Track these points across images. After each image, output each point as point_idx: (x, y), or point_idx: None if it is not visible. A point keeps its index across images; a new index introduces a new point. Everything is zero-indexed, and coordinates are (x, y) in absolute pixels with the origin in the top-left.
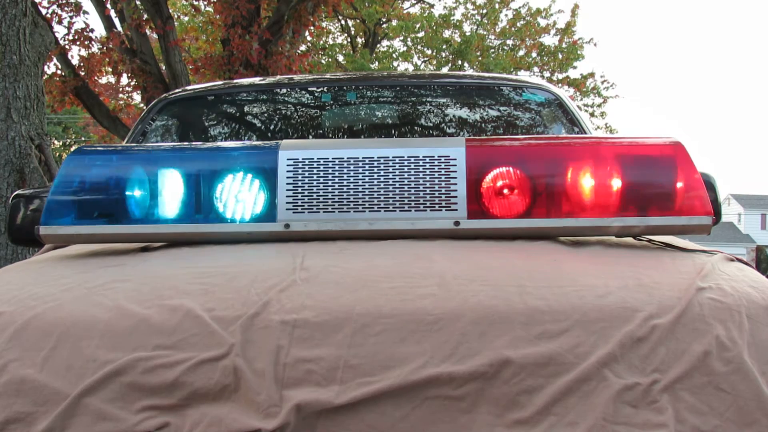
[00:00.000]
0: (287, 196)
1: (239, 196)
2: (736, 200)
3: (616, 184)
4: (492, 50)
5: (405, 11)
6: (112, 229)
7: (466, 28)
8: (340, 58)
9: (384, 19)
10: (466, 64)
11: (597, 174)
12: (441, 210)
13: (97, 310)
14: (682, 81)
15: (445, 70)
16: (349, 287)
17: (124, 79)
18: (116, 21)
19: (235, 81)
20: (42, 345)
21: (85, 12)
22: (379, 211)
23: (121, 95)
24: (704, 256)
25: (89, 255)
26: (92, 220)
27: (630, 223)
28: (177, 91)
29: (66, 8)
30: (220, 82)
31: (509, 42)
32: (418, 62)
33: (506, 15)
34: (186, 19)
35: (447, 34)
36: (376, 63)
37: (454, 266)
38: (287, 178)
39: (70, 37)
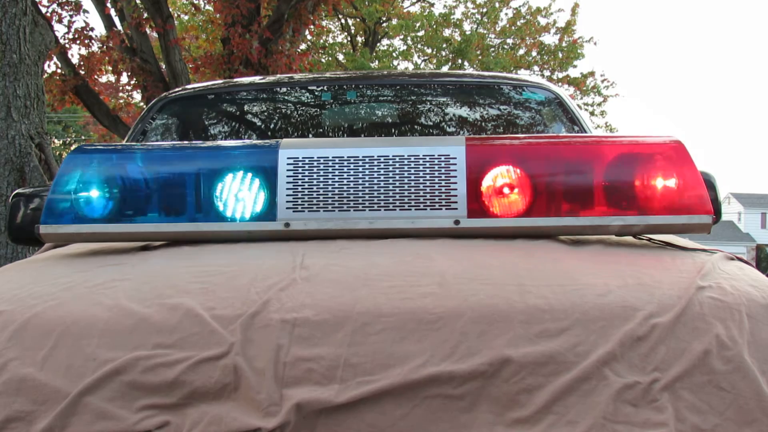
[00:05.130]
0: (287, 195)
1: (239, 195)
2: (736, 199)
3: (616, 183)
4: (492, 49)
5: (405, 10)
6: (112, 228)
7: (467, 26)
8: (340, 56)
9: (384, 18)
10: (466, 63)
11: (597, 173)
12: (441, 209)
13: (97, 309)
14: (682, 80)
15: (445, 68)
16: (349, 286)
17: (124, 78)
18: (116, 20)
19: (235, 80)
20: (42, 344)
21: (85, 11)
22: (379, 210)
23: (121, 94)
24: (704, 255)
25: (89, 254)
26: (92, 219)
27: (630, 222)
28: (177, 90)
29: (66, 7)
30: (220, 81)
31: (509, 41)
32: (418, 61)
33: (506, 14)
34: (186, 17)
35: (447, 32)
36: (376, 62)
37: (454, 265)
38: (287, 176)
39: (70, 36)
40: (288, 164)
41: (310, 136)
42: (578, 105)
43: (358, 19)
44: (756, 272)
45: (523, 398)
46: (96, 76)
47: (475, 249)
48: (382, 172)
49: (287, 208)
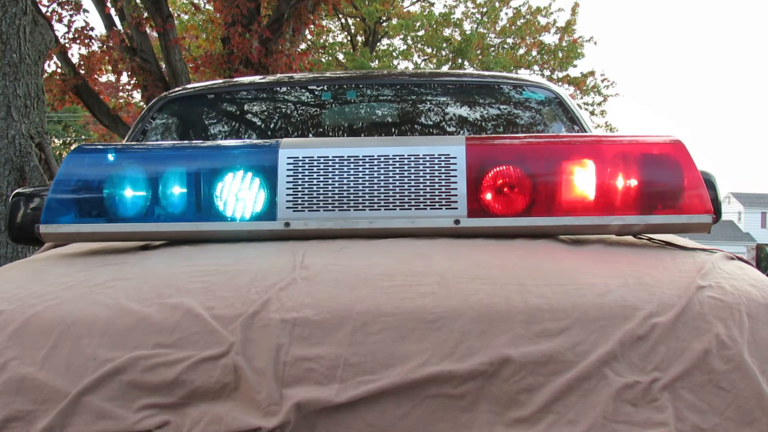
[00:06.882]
0: (287, 195)
1: (239, 195)
2: (737, 198)
3: (616, 182)
4: (492, 49)
5: (405, 10)
6: (112, 228)
7: (467, 26)
8: (340, 56)
9: (384, 18)
10: (466, 63)
11: (597, 172)
12: (441, 208)
13: (97, 309)
14: (682, 79)
15: (445, 68)
16: (349, 286)
17: (124, 78)
18: (116, 19)
19: (235, 79)
20: (42, 343)
21: (85, 10)
22: (379, 209)
23: (121, 94)
24: (704, 254)
25: (89, 253)
26: (92, 219)
27: (630, 222)
28: (177, 89)
29: (66, 6)
30: (220, 81)
31: (509, 40)
32: (419, 61)
33: (506, 13)
34: (186, 17)
35: (447, 32)
36: (376, 61)
37: (455, 265)
38: (287, 176)
39: (70, 36)
40: (288, 164)
41: (310, 135)
42: (578, 104)
43: (358, 19)
44: (756, 272)
45: (523, 398)
46: (96, 76)
47: (475, 248)
48: (382, 171)
49: (287, 207)
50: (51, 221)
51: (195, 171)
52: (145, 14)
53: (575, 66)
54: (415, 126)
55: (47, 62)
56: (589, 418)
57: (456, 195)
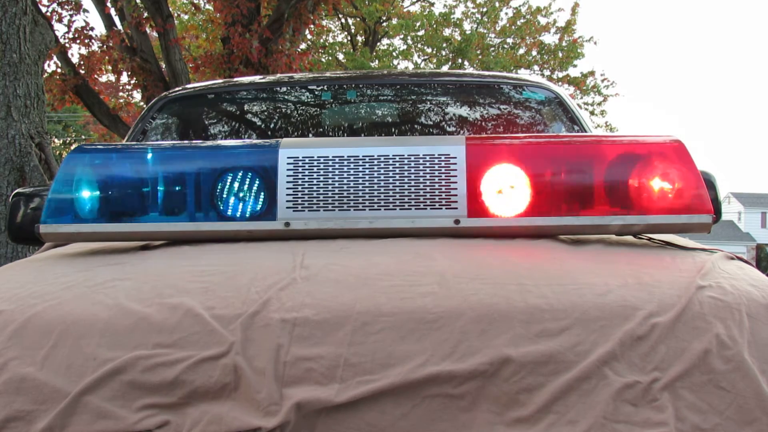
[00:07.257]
0: (287, 195)
1: (239, 195)
2: (737, 198)
3: (617, 182)
4: (492, 48)
5: (405, 9)
6: (112, 228)
7: (467, 26)
8: (340, 56)
9: (384, 18)
10: (466, 63)
11: (597, 172)
12: (441, 208)
13: (97, 309)
14: (682, 79)
15: (445, 68)
16: (350, 285)
17: (124, 78)
18: (116, 19)
19: (235, 79)
20: (42, 343)
21: (85, 10)
22: (380, 209)
23: (121, 93)
24: (704, 254)
25: (89, 253)
26: (92, 219)
27: (630, 222)
28: (177, 89)
29: (66, 6)
30: (220, 81)
31: (509, 40)
32: (419, 61)
33: (506, 13)
34: (186, 17)
35: (447, 32)
36: (377, 61)
37: (455, 264)
38: (287, 176)
39: (70, 36)
40: (288, 164)
41: (311, 135)
42: (578, 104)
43: (358, 19)
44: (756, 272)
45: (523, 397)
46: (96, 76)
47: (475, 248)
48: (382, 171)
49: (287, 207)
50: (51, 221)
51: (195, 171)
52: (145, 14)
53: (575, 66)
54: (415, 126)
55: (47, 62)
56: (589, 418)
57: (456, 195)
